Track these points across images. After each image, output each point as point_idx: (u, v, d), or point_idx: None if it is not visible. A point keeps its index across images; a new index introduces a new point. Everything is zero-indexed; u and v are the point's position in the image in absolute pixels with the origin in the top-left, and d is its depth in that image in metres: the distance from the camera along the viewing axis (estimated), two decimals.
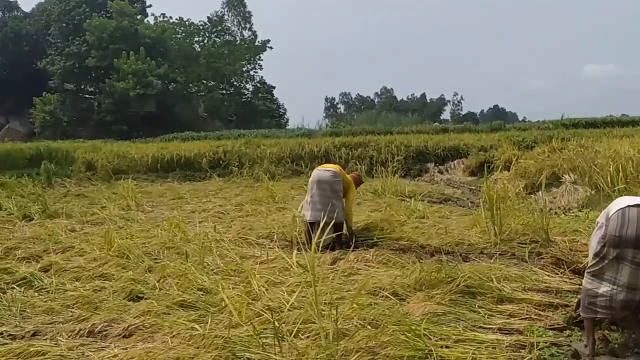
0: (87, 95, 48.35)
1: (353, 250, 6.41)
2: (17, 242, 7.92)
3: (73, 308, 4.98)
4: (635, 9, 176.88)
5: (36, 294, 5.53)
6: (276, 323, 3.71)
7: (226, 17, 57.94)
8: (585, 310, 3.84)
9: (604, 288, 3.72)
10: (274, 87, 59.19)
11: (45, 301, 5.20)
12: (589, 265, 3.87)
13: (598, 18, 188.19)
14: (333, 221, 5.70)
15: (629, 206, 3.65)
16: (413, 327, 3.86)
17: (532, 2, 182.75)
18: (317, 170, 7.49)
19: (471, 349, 3.70)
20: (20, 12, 54.05)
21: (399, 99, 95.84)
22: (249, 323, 4.02)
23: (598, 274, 3.76)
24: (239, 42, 57.75)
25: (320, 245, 4.85)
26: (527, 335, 4.03)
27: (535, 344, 3.81)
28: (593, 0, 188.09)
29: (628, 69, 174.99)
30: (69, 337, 4.29)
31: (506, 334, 4.08)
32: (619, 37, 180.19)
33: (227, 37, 56.96)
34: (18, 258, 6.98)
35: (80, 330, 4.38)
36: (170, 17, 53.80)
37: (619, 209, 3.67)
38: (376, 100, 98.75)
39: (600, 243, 3.72)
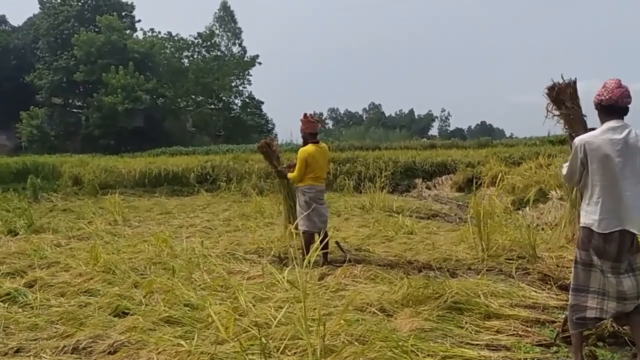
0: (74, 110, 48.05)
1: (340, 266, 6.41)
2: (1, 258, 7.84)
3: (57, 324, 4.92)
4: (622, 26, 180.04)
5: (20, 309, 5.46)
6: (263, 339, 3.69)
7: (217, 32, 58.00)
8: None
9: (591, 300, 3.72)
10: (262, 102, 59.03)
11: (29, 317, 5.14)
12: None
13: (584, 34, 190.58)
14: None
15: None
16: (400, 344, 3.85)
17: (519, 19, 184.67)
18: None
19: None
20: (9, 26, 53.77)
21: (387, 115, 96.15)
22: (235, 339, 3.99)
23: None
24: (228, 57, 57.77)
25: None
26: (514, 352, 4.03)
27: None
28: (579, 16, 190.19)
29: None
30: (53, 353, 4.24)
31: (493, 350, 4.08)
32: (605, 54, 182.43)
33: (217, 52, 56.97)
34: (2, 273, 6.91)
35: (64, 346, 4.32)
36: (159, 32, 53.82)
37: None
38: (364, 116, 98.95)
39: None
